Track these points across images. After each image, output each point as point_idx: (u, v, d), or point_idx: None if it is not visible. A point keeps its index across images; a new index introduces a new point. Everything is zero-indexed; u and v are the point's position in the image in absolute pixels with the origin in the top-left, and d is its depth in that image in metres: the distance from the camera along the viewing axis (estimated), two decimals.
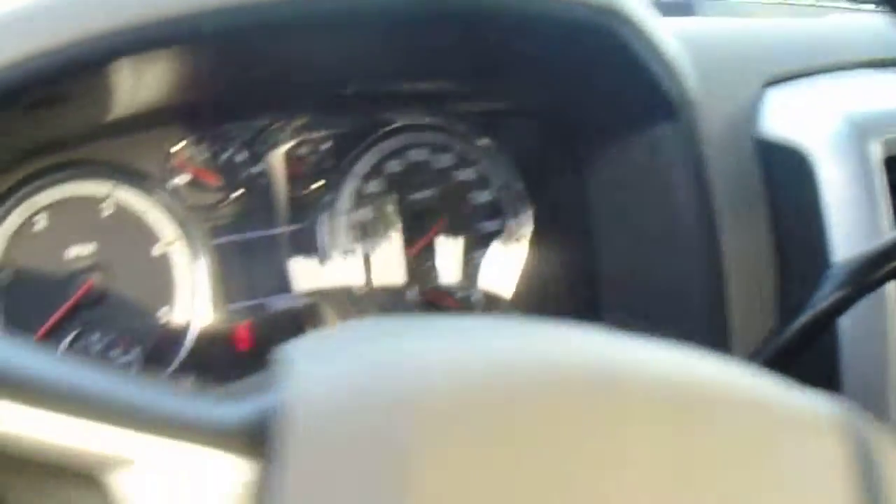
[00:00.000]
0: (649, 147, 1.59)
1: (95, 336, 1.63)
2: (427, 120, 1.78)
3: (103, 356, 1.63)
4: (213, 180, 1.69)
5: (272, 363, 0.58)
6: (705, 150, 1.51)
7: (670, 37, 1.50)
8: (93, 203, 1.64)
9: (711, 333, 1.53)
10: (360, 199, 1.75)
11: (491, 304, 1.78)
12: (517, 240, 1.81)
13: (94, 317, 1.63)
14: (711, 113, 1.54)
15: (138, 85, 1.47)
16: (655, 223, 1.63)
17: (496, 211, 1.81)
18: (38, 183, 1.62)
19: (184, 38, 1.32)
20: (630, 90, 1.55)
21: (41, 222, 1.62)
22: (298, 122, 1.74)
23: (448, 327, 0.60)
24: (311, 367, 0.53)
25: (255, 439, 0.48)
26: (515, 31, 1.47)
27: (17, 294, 1.60)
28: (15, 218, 1.61)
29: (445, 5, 1.41)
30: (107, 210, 1.65)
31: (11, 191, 1.62)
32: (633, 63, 1.45)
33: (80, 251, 1.63)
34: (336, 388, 0.50)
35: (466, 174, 1.80)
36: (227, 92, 1.63)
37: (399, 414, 0.47)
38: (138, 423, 0.48)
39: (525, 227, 1.81)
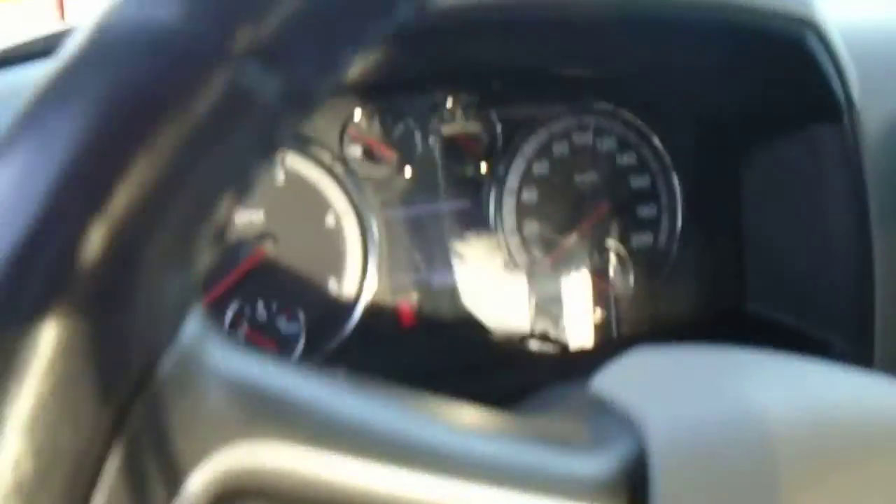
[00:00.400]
0: (808, 147, 1.58)
1: (260, 304, 1.61)
2: (591, 105, 1.76)
3: (269, 324, 1.61)
4: (387, 153, 1.66)
5: (596, 398, 0.56)
6: (864, 152, 1.50)
7: (837, 33, 1.49)
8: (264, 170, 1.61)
9: (856, 338, 1.53)
10: (527, 180, 1.73)
11: (642, 290, 1.77)
12: (671, 228, 1.79)
13: (261, 285, 1.61)
14: (871, 114, 1.53)
15: None
16: (807, 224, 1.62)
17: (653, 197, 1.79)
18: None
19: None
20: (798, 91, 1.55)
21: None
22: (471, 100, 1.71)
23: (780, 369, 0.60)
24: (665, 412, 0.51)
25: (623, 490, 0.47)
26: (705, 38, 1.48)
27: None
28: None
29: (641, 12, 1.43)
30: (279, 177, 1.62)
31: None
32: (810, 68, 1.45)
33: (250, 217, 1.61)
34: (702, 434, 0.50)
35: (627, 158, 1.78)
36: (406, 69, 1.60)
37: (769, 456, 0.47)
38: (506, 479, 0.47)
39: (676, 214, 1.79)
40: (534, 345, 1.70)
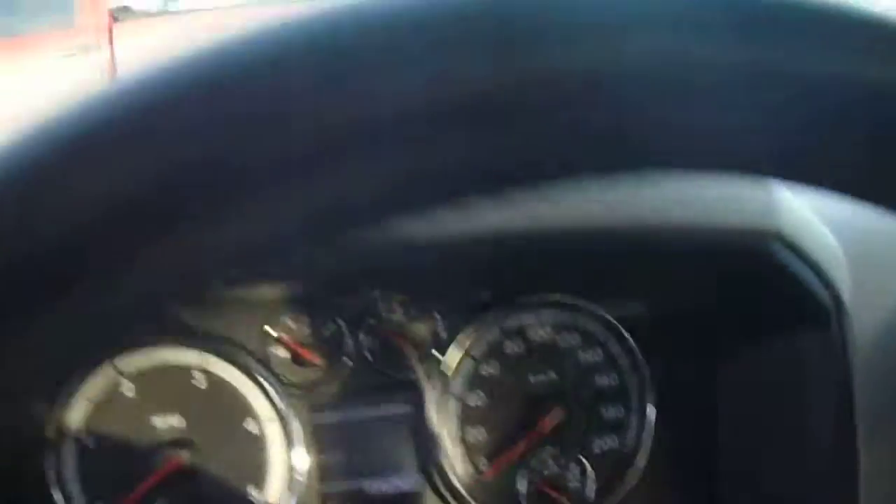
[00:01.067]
0: (791, 355, 1.44)
1: None
2: (552, 297, 1.61)
3: None
4: (315, 358, 1.56)
5: None
6: (854, 361, 1.34)
7: (825, 235, 1.36)
8: (183, 372, 1.54)
9: None
10: (474, 382, 1.60)
11: (605, 498, 1.62)
12: (639, 429, 1.63)
13: (179, 493, 1.54)
14: (867, 314, 1.36)
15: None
16: (787, 435, 1.47)
17: (620, 396, 1.63)
18: (127, 352, 1.53)
19: None
20: (778, 298, 1.41)
21: (126, 389, 1.54)
22: (409, 298, 1.59)
23: None
24: None
25: None
26: (676, 256, 1.36)
27: (100, 463, 1.54)
28: (99, 383, 1.53)
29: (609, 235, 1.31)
30: (198, 381, 1.55)
31: (97, 362, 1.53)
32: (785, 277, 1.33)
33: (168, 422, 1.55)
34: None
35: (591, 356, 1.63)
36: (332, 267, 1.49)
37: None
38: None
39: (646, 417, 1.63)
40: None
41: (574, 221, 1.31)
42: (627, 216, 1.31)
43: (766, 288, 1.40)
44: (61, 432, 1.52)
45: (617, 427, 1.64)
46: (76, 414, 1.53)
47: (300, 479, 1.57)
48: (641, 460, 1.64)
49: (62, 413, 1.52)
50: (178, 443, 1.53)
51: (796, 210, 1.33)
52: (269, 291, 1.56)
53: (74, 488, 1.53)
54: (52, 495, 1.52)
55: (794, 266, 1.30)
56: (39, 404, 1.48)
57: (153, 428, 1.54)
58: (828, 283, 1.31)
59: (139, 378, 1.54)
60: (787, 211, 1.31)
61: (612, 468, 1.64)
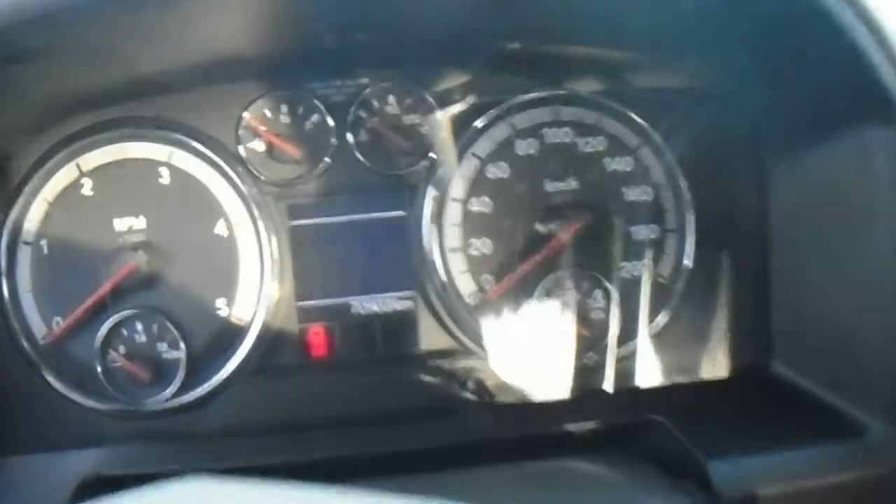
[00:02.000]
0: (855, 154, 1.17)
1: (138, 325, 1.36)
2: (574, 90, 1.38)
3: (147, 349, 1.36)
4: (294, 151, 1.36)
5: None
6: None
7: None
8: (148, 168, 1.37)
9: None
10: (479, 185, 1.38)
11: (631, 333, 1.38)
12: (676, 254, 1.39)
13: (140, 303, 1.36)
14: None
15: (210, 25, 1.17)
16: (848, 259, 1.21)
17: (655, 214, 1.40)
18: (83, 142, 1.36)
19: None
20: (840, 84, 1.13)
21: (86, 187, 1.36)
22: (406, 82, 1.37)
23: None
24: None
25: None
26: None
27: (55, 267, 1.37)
28: (57, 181, 1.36)
29: None
30: (164, 178, 1.37)
31: (53, 150, 1.37)
32: (849, 51, 1.05)
33: (130, 224, 1.36)
34: None
35: (620, 163, 1.39)
36: (320, 44, 1.28)
37: None
38: None
39: (686, 238, 1.39)
40: (471, 391, 1.36)
41: None
42: None
43: (829, 68, 1.13)
44: (14, 237, 1.36)
45: (650, 250, 1.41)
46: (32, 216, 1.36)
47: (274, 292, 1.38)
48: (677, 290, 1.40)
49: (17, 217, 1.36)
50: (140, 245, 1.35)
51: None
52: (243, 79, 1.37)
53: (27, 300, 1.36)
54: (5, 310, 1.35)
55: (864, 42, 1.03)
56: None
57: (112, 230, 1.36)
58: None
59: (99, 175, 1.36)
60: None
61: (642, 298, 1.40)
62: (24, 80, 1.15)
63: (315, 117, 1.38)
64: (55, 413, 1.37)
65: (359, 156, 1.38)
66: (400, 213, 1.40)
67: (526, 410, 1.36)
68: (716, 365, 1.42)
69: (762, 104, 1.32)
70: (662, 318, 1.41)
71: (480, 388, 1.34)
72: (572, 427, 1.24)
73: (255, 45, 1.28)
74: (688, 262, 1.40)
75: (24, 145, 1.35)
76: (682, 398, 1.37)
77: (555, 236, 1.36)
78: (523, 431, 1.28)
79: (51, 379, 1.36)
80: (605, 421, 1.26)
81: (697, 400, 1.36)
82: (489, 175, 1.38)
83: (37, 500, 1.20)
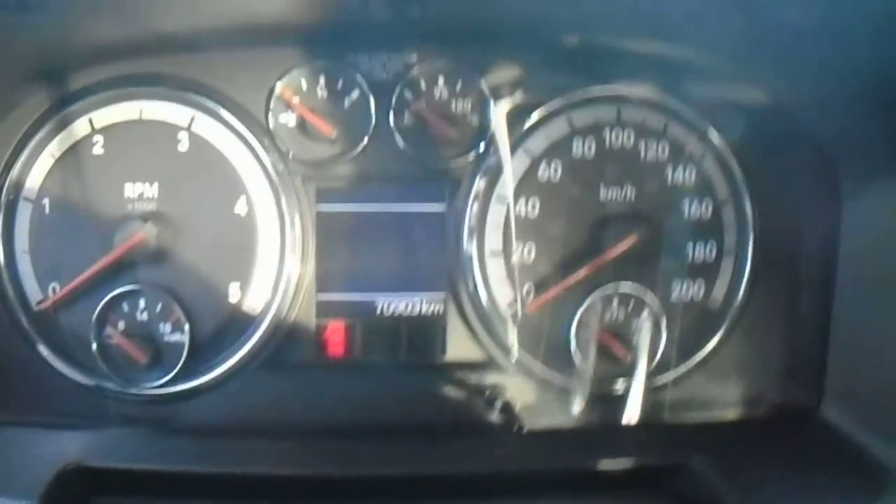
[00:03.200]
0: None
1: (141, 302, 1.25)
2: (642, 92, 1.25)
3: (148, 329, 1.25)
4: (328, 128, 1.23)
5: None
6: None
7: None
8: (166, 132, 1.24)
9: None
10: (528, 186, 1.26)
11: (675, 360, 1.27)
12: (732, 278, 1.28)
13: (145, 276, 1.25)
14: None
15: None
16: None
17: (713, 232, 1.28)
18: (98, 96, 1.24)
19: None
20: None
21: (97, 145, 1.24)
22: (457, 65, 1.25)
23: None
24: None
25: None
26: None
27: (57, 229, 1.25)
28: (66, 136, 1.25)
29: None
30: (182, 144, 1.25)
31: (65, 102, 1.25)
32: None
33: (141, 190, 1.25)
34: None
35: (683, 173, 1.27)
36: (368, 14, 1.15)
37: None
38: None
39: (744, 262, 1.28)
40: (497, 411, 1.25)
41: None
42: None
43: None
44: (15, 192, 1.24)
45: (705, 271, 1.29)
46: (36, 172, 1.24)
47: (293, 281, 1.26)
48: (728, 318, 1.29)
49: (19, 171, 1.24)
50: (148, 216, 1.23)
51: None
52: (279, 45, 1.24)
53: (23, 261, 1.25)
54: None
55: None
56: None
57: (121, 196, 1.24)
58: None
59: (112, 134, 1.24)
60: None
61: (692, 324, 1.29)
62: (30, 29, 1.04)
63: (355, 94, 1.25)
64: (43, 385, 1.28)
65: (399, 141, 1.25)
66: (439, 207, 1.28)
67: (554, 440, 1.25)
68: (761, 402, 1.32)
69: (843, 128, 1.22)
70: (709, 347, 1.30)
71: (507, 410, 1.23)
72: (601, 464, 1.14)
73: (294, 14, 1.16)
74: (743, 288, 1.29)
75: (30, 94, 1.23)
76: (722, 437, 1.27)
77: (605, 249, 1.24)
78: (549, 464, 1.17)
79: (41, 348, 1.26)
80: (638, 458, 1.16)
81: (738, 440, 1.27)
82: (540, 175, 1.26)
83: (12, 483, 1.09)
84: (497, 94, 1.25)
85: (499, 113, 1.24)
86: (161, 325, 1.25)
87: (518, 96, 1.25)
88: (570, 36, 1.20)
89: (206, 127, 1.24)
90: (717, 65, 1.23)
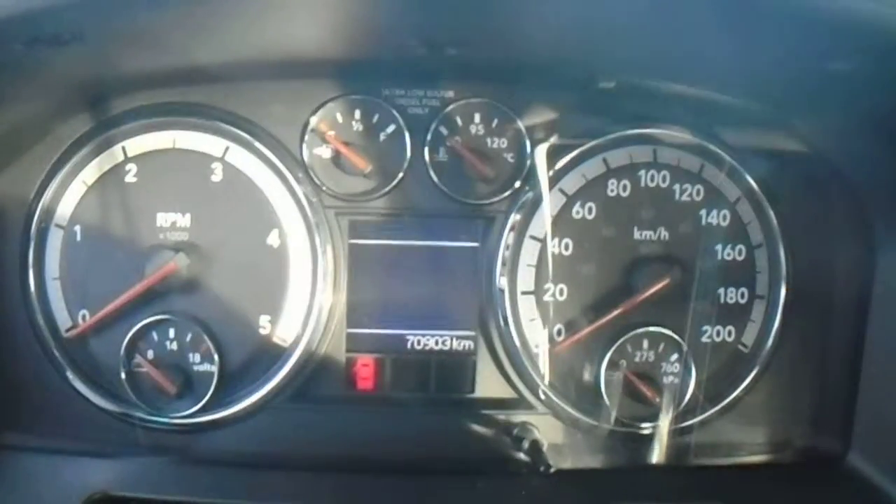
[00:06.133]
0: None
1: (171, 332, 1.25)
2: (680, 133, 1.24)
3: (177, 358, 1.25)
4: (363, 163, 1.23)
5: None
6: None
7: None
8: (199, 162, 1.24)
9: None
10: (562, 225, 1.25)
11: (705, 402, 1.27)
12: (764, 322, 1.28)
13: (175, 306, 1.25)
14: None
15: (278, 25, 1.04)
16: None
17: (746, 276, 1.27)
18: (132, 124, 1.24)
19: None
20: None
21: (130, 174, 1.24)
22: (496, 103, 1.24)
23: None
24: None
25: None
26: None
27: (88, 256, 1.25)
28: (98, 164, 1.24)
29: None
30: (216, 174, 1.24)
31: (98, 129, 1.25)
32: None
33: (174, 220, 1.24)
34: None
35: (717, 217, 1.26)
36: (407, 49, 1.14)
37: None
38: None
39: (775, 307, 1.27)
40: (525, 451, 1.24)
41: None
42: None
43: None
44: (47, 218, 1.24)
45: (737, 315, 1.28)
46: (68, 198, 1.24)
47: (324, 314, 1.26)
48: (758, 362, 1.28)
49: (52, 197, 1.23)
50: (180, 246, 1.23)
51: None
52: (315, 78, 1.24)
53: (53, 288, 1.24)
54: (29, 297, 1.24)
55: None
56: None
57: (153, 225, 1.24)
58: None
59: (145, 162, 1.24)
60: None
61: (721, 367, 1.28)
62: (64, 62, 1.03)
63: (391, 128, 1.25)
64: (71, 412, 1.28)
65: (434, 177, 1.25)
66: (472, 244, 1.27)
67: (580, 480, 1.24)
68: (787, 448, 1.32)
69: (877, 173, 1.21)
70: (737, 391, 1.29)
71: (535, 449, 1.22)
72: None
73: (331, 50, 1.15)
74: (774, 332, 1.28)
75: (64, 121, 1.22)
76: (747, 481, 1.27)
77: (637, 290, 1.23)
78: None
79: (69, 375, 1.26)
80: (663, 501, 1.18)
81: (763, 485, 1.26)
82: (574, 214, 1.25)
83: None
84: (533, 133, 1.25)
85: (540, 152, 1.23)
86: (190, 355, 1.25)
87: (555, 135, 1.24)
88: (607, 79, 1.19)
89: (240, 158, 1.24)
90: (755, 110, 1.22)
